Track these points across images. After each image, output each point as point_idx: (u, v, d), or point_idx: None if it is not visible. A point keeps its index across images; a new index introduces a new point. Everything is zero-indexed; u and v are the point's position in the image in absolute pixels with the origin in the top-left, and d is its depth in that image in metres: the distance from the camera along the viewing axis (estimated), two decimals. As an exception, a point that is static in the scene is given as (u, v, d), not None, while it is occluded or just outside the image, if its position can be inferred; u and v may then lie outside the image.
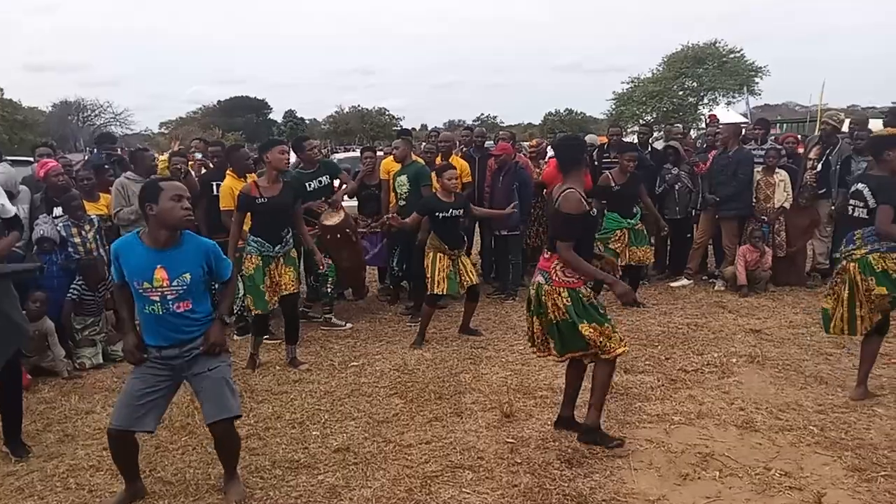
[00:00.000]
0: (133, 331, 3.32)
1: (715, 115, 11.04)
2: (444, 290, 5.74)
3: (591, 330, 3.62)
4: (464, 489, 3.41)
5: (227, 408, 3.22)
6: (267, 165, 5.24)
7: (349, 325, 6.51)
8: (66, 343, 5.54)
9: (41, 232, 5.51)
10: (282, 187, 5.17)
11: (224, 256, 3.44)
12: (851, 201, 4.43)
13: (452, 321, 6.46)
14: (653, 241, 8.35)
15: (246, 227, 5.27)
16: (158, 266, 3.14)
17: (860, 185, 4.38)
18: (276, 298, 5.23)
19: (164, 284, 3.14)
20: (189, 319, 3.23)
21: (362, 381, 4.99)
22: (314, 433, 4.12)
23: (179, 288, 3.17)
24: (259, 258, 5.11)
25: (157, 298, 3.15)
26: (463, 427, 4.13)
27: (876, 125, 10.15)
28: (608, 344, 3.66)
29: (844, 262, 4.37)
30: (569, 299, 3.64)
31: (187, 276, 3.18)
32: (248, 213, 5.20)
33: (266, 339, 6.02)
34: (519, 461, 3.68)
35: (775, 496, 3.26)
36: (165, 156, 6.84)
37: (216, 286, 3.54)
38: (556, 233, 3.77)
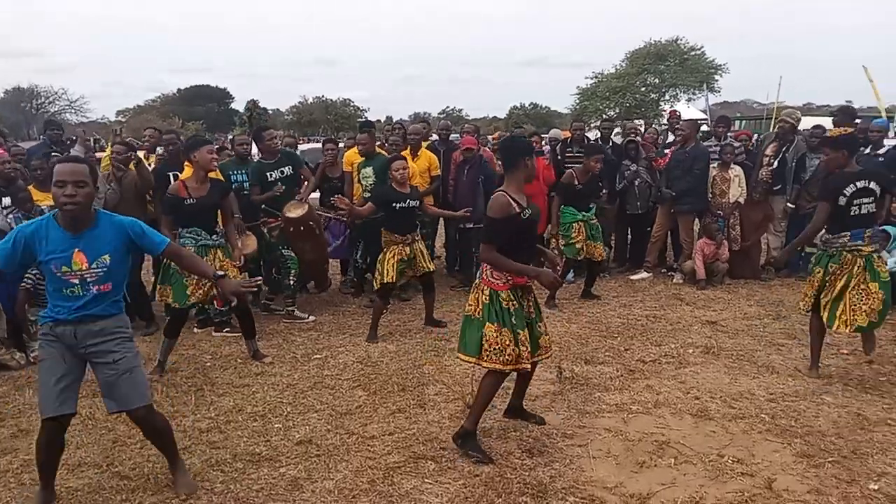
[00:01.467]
0: None
1: (675, 111, 11.24)
2: (393, 279, 5.73)
3: (494, 331, 3.54)
4: (426, 479, 3.43)
5: (136, 397, 3.12)
6: (194, 165, 5.07)
7: (312, 318, 6.47)
8: (20, 336, 5.41)
9: (3, 225, 5.36)
10: (210, 187, 5.06)
11: (151, 230, 3.30)
12: (857, 200, 4.57)
13: (416, 314, 6.47)
14: (613, 236, 8.53)
15: None
16: (76, 249, 3.04)
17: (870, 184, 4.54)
18: (199, 293, 4.90)
19: (84, 268, 3.04)
20: (107, 301, 3.14)
21: (325, 374, 4.98)
22: (276, 426, 4.10)
23: (99, 270, 3.07)
24: (193, 248, 4.89)
25: (77, 281, 3.04)
26: (426, 418, 4.16)
27: (810, 122, 10.44)
28: (495, 355, 3.56)
29: (849, 255, 4.55)
30: (488, 298, 3.61)
31: (106, 257, 3.08)
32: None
33: (227, 331, 5.97)
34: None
35: (728, 482, 3.37)
36: (108, 150, 6.63)
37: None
38: (482, 234, 3.84)
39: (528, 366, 3.66)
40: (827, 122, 11.13)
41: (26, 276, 5.43)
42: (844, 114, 8.33)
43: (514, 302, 3.61)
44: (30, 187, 5.85)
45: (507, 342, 3.54)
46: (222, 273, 3.49)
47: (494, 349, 3.55)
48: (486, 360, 3.60)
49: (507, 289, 3.60)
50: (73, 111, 50.35)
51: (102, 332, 3.13)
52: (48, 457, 3.16)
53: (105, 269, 3.08)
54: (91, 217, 3.10)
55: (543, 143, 9.12)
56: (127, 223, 3.19)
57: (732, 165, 7.68)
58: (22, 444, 3.89)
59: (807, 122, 9.24)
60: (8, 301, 5.34)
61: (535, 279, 3.68)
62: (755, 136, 10.50)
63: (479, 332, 3.59)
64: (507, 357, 3.55)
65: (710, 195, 7.70)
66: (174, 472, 3.38)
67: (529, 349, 3.64)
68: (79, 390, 3.21)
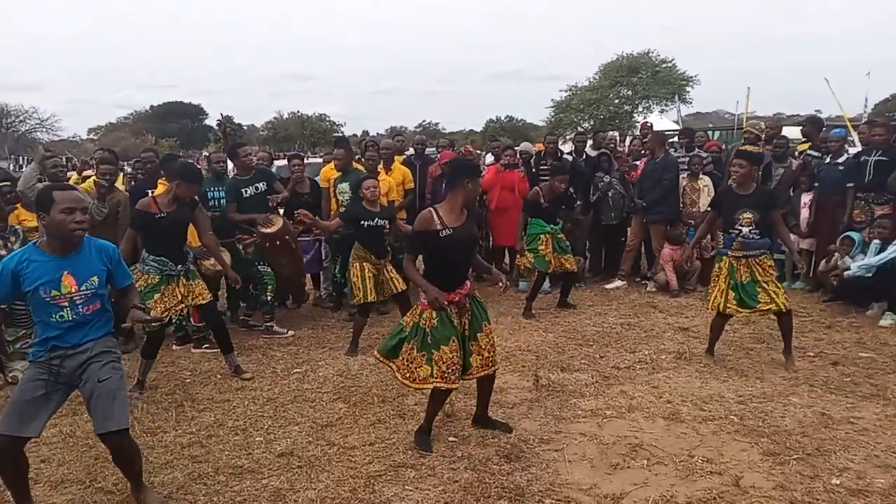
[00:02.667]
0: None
1: (647, 123, 11.49)
2: (374, 297, 5.83)
3: (408, 349, 3.82)
4: (406, 486, 3.51)
5: (116, 420, 3.14)
6: (177, 192, 4.95)
7: (291, 333, 6.52)
8: (-2, 357, 5.39)
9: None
10: (178, 204, 4.97)
11: (124, 263, 3.43)
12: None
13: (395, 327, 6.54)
14: (588, 244, 8.69)
15: None
16: (65, 273, 3.12)
17: None
18: (159, 308, 4.82)
19: (73, 290, 3.13)
20: (96, 321, 3.22)
21: (305, 387, 5.04)
22: (257, 439, 4.15)
23: (88, 291, 3.17)
24: (157, 276, 4.87)
25: (67, 304, 3.12)
26: (406, 428, 4.23)
27: (791, 132, 10.77)
28: (410, 371, 3.80)
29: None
30: (418, 316, 3.85)
31: (94, 279, 3.19)
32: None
33: (206, 347, 6.00)
34: (460, 457, 3.81)
35: (697, 480, 3.49)
36: (87, 180, 6.60)
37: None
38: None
39: (446, 385, 3.78)
40: (794, 132, 11.49)
41: (2, 297, 5.42)
42: (813, 124, 8.63)
43: (434, 320, 3.77)
44: (19, 206, 5.88)
45: (417, 359, 3.78)
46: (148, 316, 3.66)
47: (408, 363, 3.81)
48: (399, 373, 3.87)
49: (426, 307, 3.79)
50: (44, 129, 49.67)
51: (93, 355, 3.19)
52: (11, 475, 3.15)
53: (93, 291, 3.17)
54: (76, 244, 3.19)
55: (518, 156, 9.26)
56: (108, 247, 3.33)
57: (701, 175, 7.90)
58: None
59: (787, 132, 9.51)
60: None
61: (425, 293, 3.83)
62: (724, 146, 10.77)
63: (397, 340, 3.90)
64: (421, 374, 3.76)
65: (682, 205, 7.91)
66: (139, 494, 3.36)
67: (455, 369, 3.77)
68: (50, 417, 3.22)
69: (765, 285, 5.05)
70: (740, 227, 5.08)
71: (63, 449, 4.01)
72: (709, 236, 7.95)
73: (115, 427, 3.14)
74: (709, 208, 6.06)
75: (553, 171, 7.11)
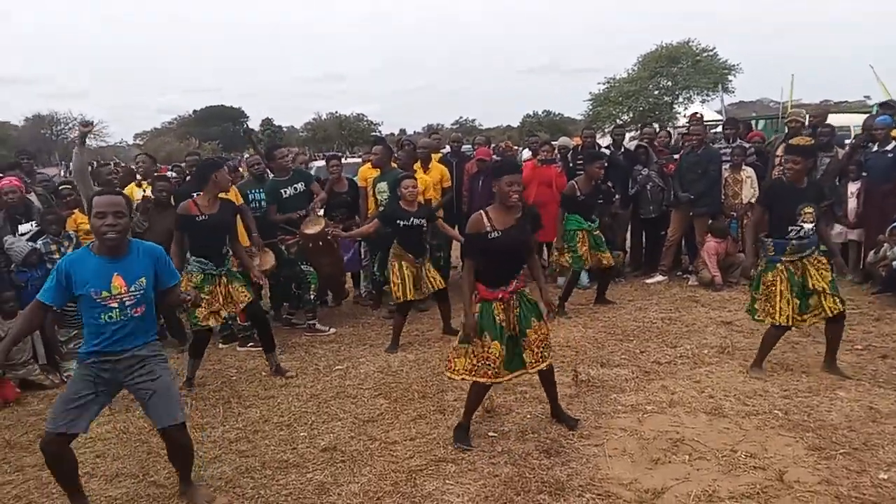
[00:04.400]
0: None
1: (696, 114, 11.17)
2: (412, 296, 5.89)
3: (454, 340, 3.97)
4: (447, 481, 3.56)
5: (174, 415, 3.29)
6: (212, 184, 5.15)
7: (333, 330, 6.64)
8: (52, 357, 5.62)
9: (25, 248, 5.59)
10: (220, 205, 5.16)
11: (171, 262, 3.56)
12: None
13: (435, 323, 6.61)
14: (627, 238, 8.61)
15: None
16: (115, 274, 3.24)
17: None
18: (212, 317, 5.11)
19: (122, 291, 3.25)
20: (144, 323, 3.34)
21: (347, 384, 5.13)
22: (302, 434, 4.25)
23: (136, 293, 3.28)
24: (200, 275, 5.05)
25: (116, 305, 3.24)
26: (446, 423, 4.28)
27: (835, 120, 10.48)
28: (450, 360, 3.97)
29: None
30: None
31: (143, 280, 3.31)
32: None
33: (251, 346, 6.15)
34: (500, 452, 3.85)
35: (740, 475, 3.46)
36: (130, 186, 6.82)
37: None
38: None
39: (473, 378, 3.88)
40: (839, 120, 11.18)
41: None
42: (889, 107, 8.39)
43: (477, 314, 3.86)
44: (76, 210, 6.13)
45: (460, 353, 3.92)
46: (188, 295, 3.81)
47: (449, 354, 3.94)
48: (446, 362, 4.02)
49: (476, 302, 3.88)
50: (92, 136, 51.15)
51: (141, 359, 3.33)
52: (60, 470, 3.28)
53: (142, 292, 3.29)
54: (126, 244, 3.32)
55: (555, 151, 9.23)
56: (157, 250, 3.46)
57: (744, 167, 7.75)
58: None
59: (834, 120, 9.24)
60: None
61: (464, 317, 3.91)
62: (771, 136, 10.52)
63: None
64: (462, 365, 3.89)
65: (723, 196, 7.78)
66: (188, 490, 3.49)
67: (488, 364, 3.82)
68: (97, 415, 3.36)
69: (818, 288, 4.66)
70: (801, 224, 4.64)
71: (117, 444, 4.17)
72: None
73: (175, 421, 3.28)
74: (756, 203, 5.53)
75: (588, 159, 6.99)
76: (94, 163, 8.33)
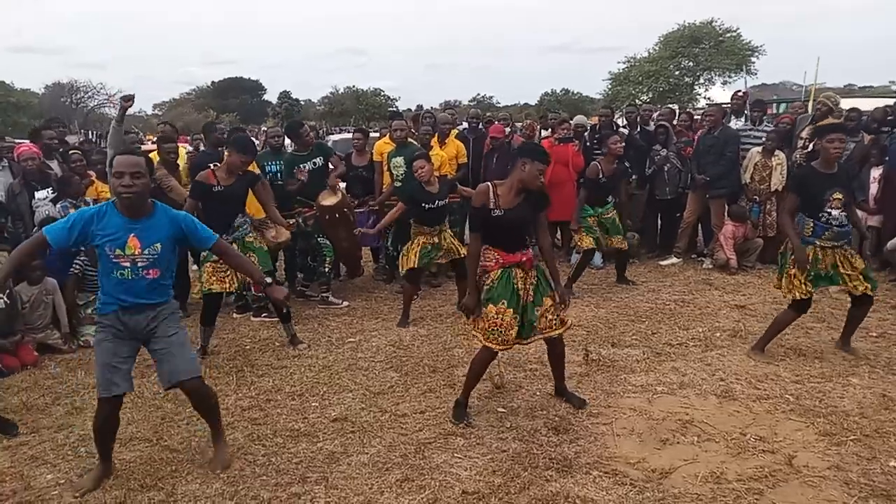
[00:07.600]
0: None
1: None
2: (416, 264, 5.86)
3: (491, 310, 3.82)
4: (456, 454, 3.59)
5: (189, 369, 3.36)
6: (229, 160, 5.14)
7: (346, 304, 6.67)
8: (71, 320, 5.70)
9: (45, 213, 5.66)
10: (237, 178, 5.14)
11: (203, 226, 3.53)
12: None
13: (447, 299, 6.63)
14: (640, 220, 8.54)
15: None
16: (132, 235, 3.25)
17: None
18: (221, 284, 5.09)
19: (136, 252, 3.26)
20: (155, 286, 3.35)
21: (359, 356, 5.17)
22: (313, 404, 4.30)
23: (150, 256, 3.29)
24: None
25: (128, 265, 3.25)
26: (455, 398, 4.28)
27: (864, 104, 10.27)
28: (477, 322, 3.88)
29: None
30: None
31: (158, 245, 3.30)
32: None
33: (265, 316, 6.20)
34: (508, 427, 3.87)
35: (749, 458, 3.46)
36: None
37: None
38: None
39: (497, 347, 3.83)
40: (865, 104, 10.95)
41: (75, 262, 5.73)
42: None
43: (495, 280, 3.84)
44: (94, 178, 6.20)
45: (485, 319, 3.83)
46: (270, 281, 3.79)
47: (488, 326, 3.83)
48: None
49: (496, 268, 3.84)
50: (111, 105, 51.37)
51: (157, 316, 3.36)
52: (105, 433, 3.38)
53: (155, 256, 3.29)
54: (149, 207, 3.32)
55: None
56: (181, 217, 3.44)
57: (777, 152, 7.57)
58: (77, 420, 4.15)
59: (846, 104, 9.05)
60: (61, 288, 5.63)
61: (468, 293, 3.92)
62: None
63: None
64: (488, 332, 3.81)
65: (750, 181, 7.63)
66: (216, 445, 3.58)
67: (498, 331, 3.80)
68: (132, 368, 3.42)
69: (847, 278, 4.67)
70: (830, 210, 4.58)
71: (132, 409, 4.23)
72: (773, 214, 7.65)
73: (191, 375, 3.34)
74: (788, 191, 5.36)
75: (603, 138, 6.91)
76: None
